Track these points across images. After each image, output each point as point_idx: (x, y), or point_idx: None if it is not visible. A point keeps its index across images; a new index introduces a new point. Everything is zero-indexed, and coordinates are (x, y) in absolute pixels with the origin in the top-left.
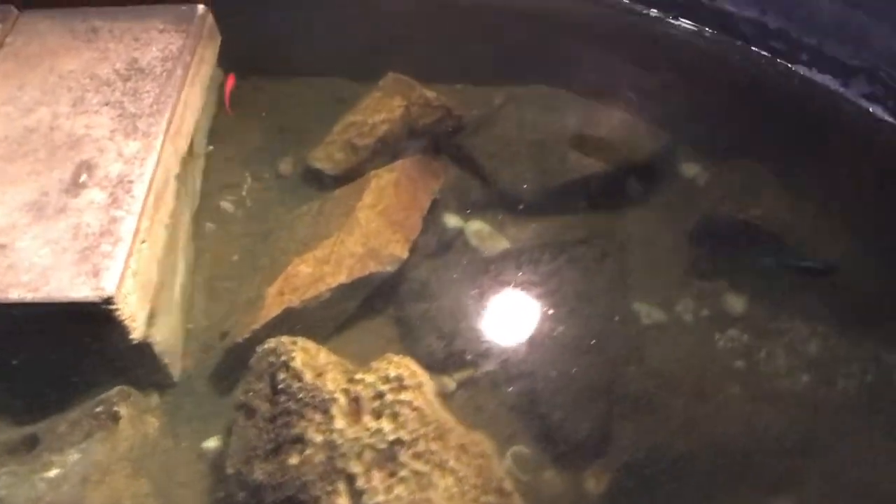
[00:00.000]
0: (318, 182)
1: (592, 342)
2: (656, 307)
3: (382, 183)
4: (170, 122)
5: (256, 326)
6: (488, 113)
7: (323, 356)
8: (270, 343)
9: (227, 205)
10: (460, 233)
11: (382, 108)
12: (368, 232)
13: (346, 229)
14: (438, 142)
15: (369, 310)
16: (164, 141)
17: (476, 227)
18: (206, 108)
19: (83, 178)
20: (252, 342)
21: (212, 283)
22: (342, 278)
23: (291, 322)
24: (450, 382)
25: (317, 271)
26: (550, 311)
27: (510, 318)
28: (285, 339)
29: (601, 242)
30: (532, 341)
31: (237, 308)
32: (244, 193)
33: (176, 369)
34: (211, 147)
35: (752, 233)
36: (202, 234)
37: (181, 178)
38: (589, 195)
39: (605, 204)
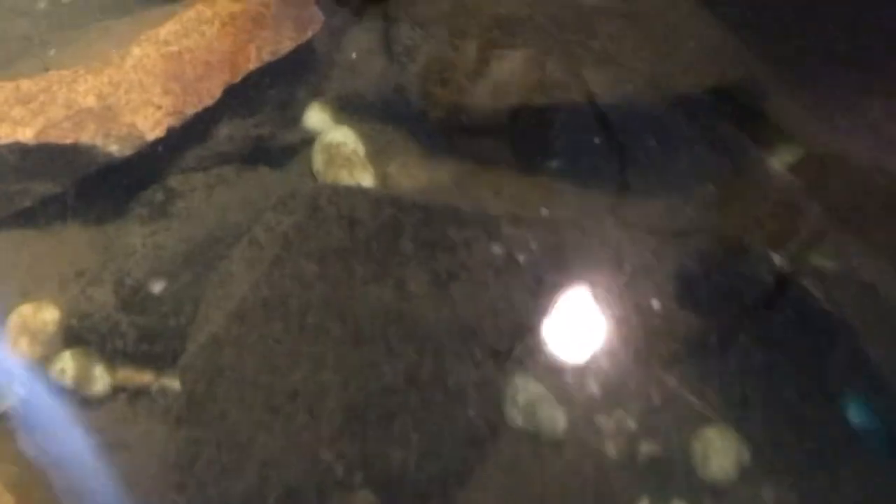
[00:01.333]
0: None
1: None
2: (551, 401)
3: (208, 13)
4: None
5: None
6: None
7: None
8: None
9: None
10: (307, 141)
11: None
12: (125, 79)
13: (95, 64)
14: None
15: (67, 209)
16: None
17: (335, 140)
18: None
19: None
20: None
21: None
22: (24, 134)
23: None
24: (101, 377)
25: (1, 110)
26: (339, 332)
27: (254, 315)
28: None
29: (526, 238)
30: (267, 375)
31: None
32: None
33: None
34: None
35: (801, 315)
36: None
37: None
38: (556, 147)
39: (579, 171)
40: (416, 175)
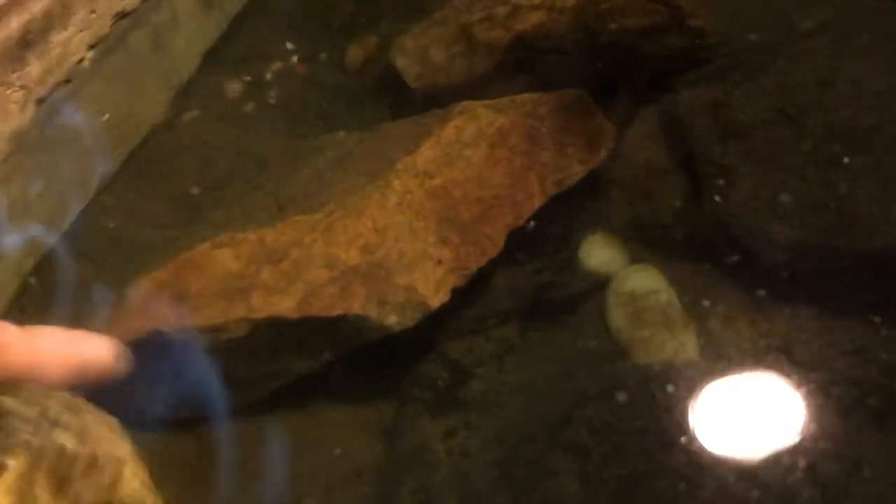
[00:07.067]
0: (399, 93)
1: None
2: None
3: (470, 130)
4: None
5: None
6: (778, 41)
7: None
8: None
9: (235, 88)
10: (595, 286)
11: None
12: (391, 224)
13: (350, 201)
14: (633, 77)
15: (331, 388)
16: None
17: (641, 286)
18: None
19: None
20: None
21: (128, 223)
22: (282, 306)
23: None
24: None
25: (246, 272)
26: None
27: None
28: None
29: None
30: None
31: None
32: (272, 78)
33: None
34: None
35: None
36: (173, 126)
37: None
38: None
39: None
40: (744, 333)
